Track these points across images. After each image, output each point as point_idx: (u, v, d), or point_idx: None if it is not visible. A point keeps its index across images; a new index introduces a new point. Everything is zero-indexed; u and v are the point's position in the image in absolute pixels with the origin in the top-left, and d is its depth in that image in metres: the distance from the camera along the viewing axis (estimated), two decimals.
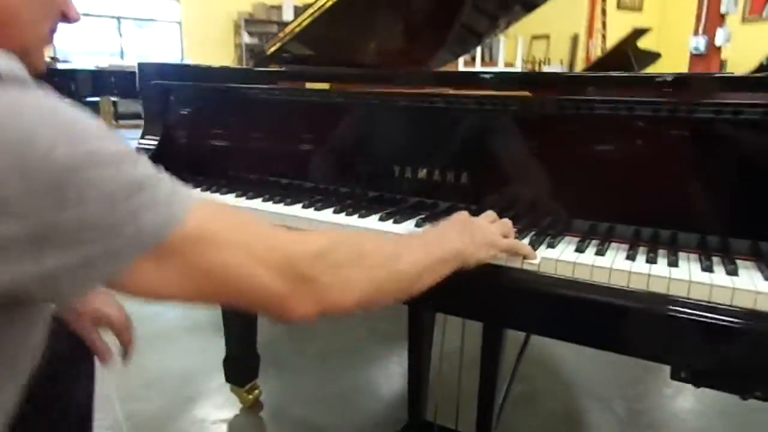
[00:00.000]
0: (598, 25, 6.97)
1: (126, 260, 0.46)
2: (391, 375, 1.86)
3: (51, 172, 0.41)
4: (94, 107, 5.71)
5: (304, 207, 0.96)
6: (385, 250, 0.63)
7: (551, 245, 0.78)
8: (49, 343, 0.86)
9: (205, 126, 1.18)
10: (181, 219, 0.48)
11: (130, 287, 0.49)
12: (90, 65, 6.45)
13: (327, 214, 0.93)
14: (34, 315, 0.57)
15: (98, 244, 0.44)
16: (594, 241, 0.79)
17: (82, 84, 5.97)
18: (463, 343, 1.48)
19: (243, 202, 1.01)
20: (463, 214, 0.78)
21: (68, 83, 5.99)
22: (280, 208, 0.97)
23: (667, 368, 0.70)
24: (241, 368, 1.60)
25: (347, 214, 0.92)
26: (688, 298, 0.66)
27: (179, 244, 0.48)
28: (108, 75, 6.26)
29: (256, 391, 1.64)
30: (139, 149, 1.18)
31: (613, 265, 0.71)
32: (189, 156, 1.18)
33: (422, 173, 0.95)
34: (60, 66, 6.52)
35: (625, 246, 0.77)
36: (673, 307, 0.66)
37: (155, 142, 1.17)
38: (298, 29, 1.28)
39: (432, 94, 0.96)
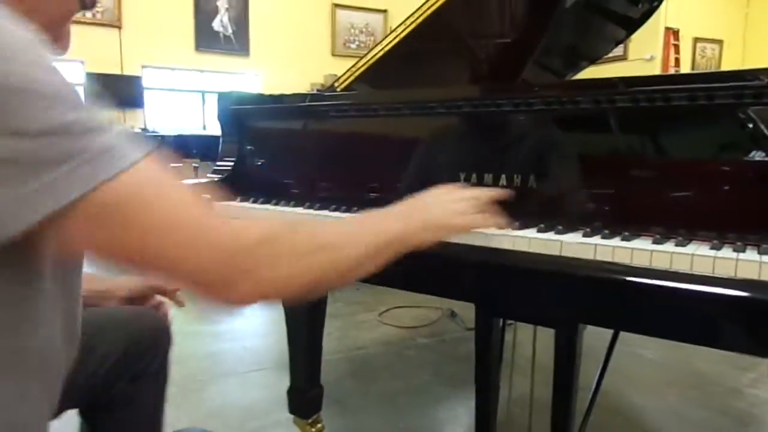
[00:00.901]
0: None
1: (49, 206, 0.43)
2: (457, 417, 1.77)
3: None
4: (177, 170, 6.14)
5: None
6: (325, 237, 0.61)
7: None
8: (129, 344, 0.91)
9: (278, 145, 1.24)
10: (112, 176, 0.45)
11: (58, 238, 0.47)
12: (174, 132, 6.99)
13: None
14: (39, 312, 0.55)
15: (13, 186, 0.42)
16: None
17: (168, 148, 6.45)
18: (533, 386, 1.41)
19: (319, 212, 1.04)
20: (418, 196, 0.76)
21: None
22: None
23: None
24: (305, 400, 1.58)
25: None
26: None
27: (109, 202, 0.45)
28: (190, 140, 6.76)
29: (319, 425, 1.60)
30: (216, 170, 1.25)
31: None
32: (261, 174, 1.24)
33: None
34: (149, 133, 7.14)
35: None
36: None
37: (231, 163, 1.24)
38: (365, 66, 1.36)
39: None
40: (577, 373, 1.19)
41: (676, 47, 7.33)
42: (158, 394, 0.98)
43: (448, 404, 1.86)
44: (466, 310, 2.66)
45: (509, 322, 1.48)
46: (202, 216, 0.51)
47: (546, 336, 1.20)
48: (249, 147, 1.25)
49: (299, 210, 1.07)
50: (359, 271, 0.64)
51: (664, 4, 1.67)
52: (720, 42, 7.99)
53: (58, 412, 0.69)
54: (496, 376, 1.35)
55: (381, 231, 0.67)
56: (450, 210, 0.75)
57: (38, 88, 0.43)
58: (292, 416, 1.60)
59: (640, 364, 2.18)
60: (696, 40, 7.90)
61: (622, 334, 1.61)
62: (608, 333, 1.47)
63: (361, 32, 10.15)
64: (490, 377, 1.31)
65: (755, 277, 0.62)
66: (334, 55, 9.69)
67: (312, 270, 0.58)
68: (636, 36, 1.77)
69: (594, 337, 1.43)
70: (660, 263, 0.69)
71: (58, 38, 0.62)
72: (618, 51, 5.69)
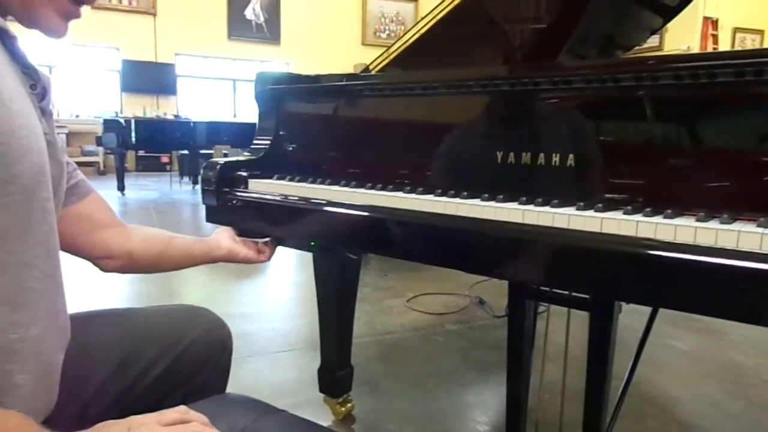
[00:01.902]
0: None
1: None
2: (486, 401, 1.77)
3: None
4: (209, 156, 6.23)
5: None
6: None
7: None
8: (178, 364, 0.79)
9: (315, 125, 1.25)
10: None
11: None
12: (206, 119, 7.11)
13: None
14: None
15: None
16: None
17: (199, 135, 6.57)
18: (565, 372, 1.40)
19: (361, 191, 1.04)
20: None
21: (188, 134, 6.63)
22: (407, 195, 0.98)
23: None
24: (335, 379, 1.60)
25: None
26: None
27: None
28: (221, 127, 6.86)
29: (350, 404, 1.63)
30: (253, 149, 1.27)
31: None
32: (297, 153, 1.25)
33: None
34: (182, 119, 7.28)
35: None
36: None
37: (269, 141, 1.25)
38: (398, 51, 1.36)
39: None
40: (612, 357, 1.17)
41: (715, 37, 7.12)
42: None
43: (477, 388, 1.86)
44: (495, 298, 2.65)
45: (541, 310, 1.48)
46: None
47: (578, 326, 1.19)
48: (285, 126, 1.26)
49: (335, 188, 1.08)
50: None
51: None
52: (761, 32, 7.73)
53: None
54: (528, 360, 1.34)
55: None
56: None
57: None
58: (322, 395, 1.63)
59: (674, 356, 2.14)
60: (735, 30, 7.65)
61: (654, 326, 1.59)
62: (641, 325, 1.45)
63: (392, 21, 10.11)
64: (522, 361, 1.30)
65: None
66: (364, 44, 9.68)
67: None
68: (672, 25, 1.72)
69: (626, 330, 1.41)
70: (705, 240, 0.67)
71: (37, 21, 0.62)
72: (653, 41, 5.55)
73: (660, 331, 2.31)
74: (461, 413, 1.70)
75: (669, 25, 1.71)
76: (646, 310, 1.46)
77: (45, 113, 0.64)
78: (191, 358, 0.82)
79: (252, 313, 2.54)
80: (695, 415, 1.68)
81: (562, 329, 1.31)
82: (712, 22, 7.03)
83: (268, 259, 1.14)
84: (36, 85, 0.64)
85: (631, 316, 1.78)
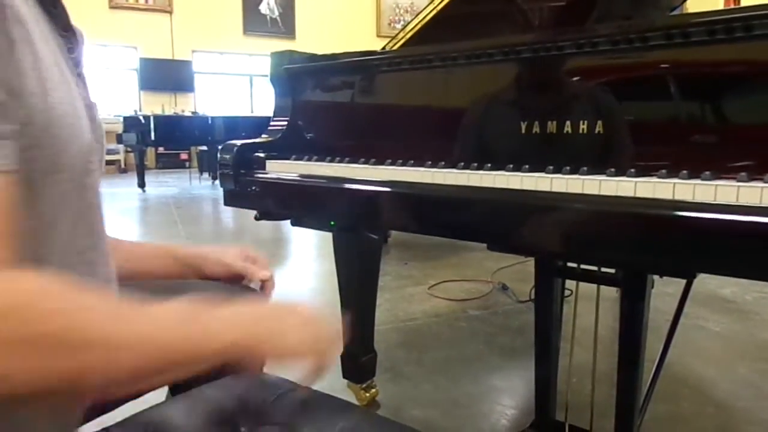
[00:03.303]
0: None
1: None
2: (513, 386, 1.74)
3: None
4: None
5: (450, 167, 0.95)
6: (102, 340, 0.42)
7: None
8: None
9: (332, 103, 1.23)
10: None
11: None
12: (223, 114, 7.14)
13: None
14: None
15: None
16: None
17: (217, 131, 6.60)
18: (595, 354, 1.36)
19: (379, 167, 1.02)
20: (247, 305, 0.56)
21: (207, 130, 6.66)
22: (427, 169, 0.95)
23: None
24: (358, 365, 1.58)
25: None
26: None
27: None
28: (239, 122, 6.88)
29: (373, 390, 1.61)
30: (270, 130, 1.25)
31: None
32: (315, 132, 1.23)
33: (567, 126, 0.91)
34: (200, 116, 7.33)
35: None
36: None
37: (285, 122, 1.23)
38: (414, 30, 1.32)
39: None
40: (645, 336, 1.13)
41: (737, 3, 6.91)
42: None
43: (503, 373, 1.83)
44: (518, 284, 2.61)
45: (567, 295, 1.44)
46: None
47: (605, 310, 1.15)
48: (302, 106, 1.24)
49: (354, 165, 1.05)
50: (132, 382, 0.46)
51: None
52: None
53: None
54: (557, 342, 1.31)
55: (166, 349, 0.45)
56: (298, 337, 0.54)
57: None
58: (346, 381, 1.61)
59: (706, 337, 2.08)
60: None
61: (685, 308, 1.54)
62: (671, 307, 1.40)
63: (407, 12, 10.04)
64: (551, 343, 1.27)
65: None
66: (379, 36, 9.63)
67: (55, 370, 0.40)
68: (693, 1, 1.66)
69: (656, 313, 1.37)
70: (747, 199, 0.64)
71: None
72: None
73: (691, 312, 2.25)
74: (488, 398, 1.67)
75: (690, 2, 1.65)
76: (676, 291, 1.41)
77: (81, 78, 0.62)
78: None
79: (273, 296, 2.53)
80: (731, 396, 1.62)
81: (587, 314, 1.27)
82: None
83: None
84: (74, 49, 0.60)
85: (661, 299, 1.73)
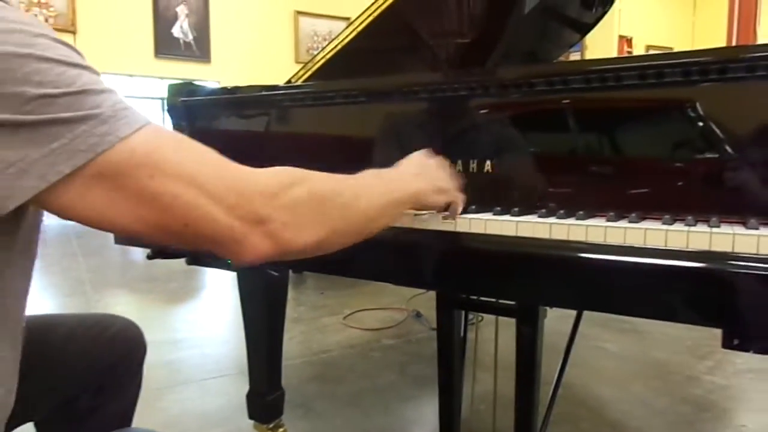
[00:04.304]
0: None
1: (60, 169, 0.42)
2: (423, 416, 1.75)
3: None
4: None
5: None
6: (343, 190, 0.60)
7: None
8: (96, 355, 0.84)
9: (233, 140, 1.20)
10: (125, 136, 0.44)
11: (66, 205, 0.44)
12: None
13: None
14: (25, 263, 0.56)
15: (33, 148, 0.41)
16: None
17: None
18: (496, 380, 1.40)
19: None
20: (419, 154, 0.76)
21: None
22: None
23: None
24: (265, 404, 1.53)
25: None
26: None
27: (122, 164, 0.44)
28: None
29: (281, 430, 1.56)
30: None
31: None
32: None
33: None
34: None
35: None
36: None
37: None
38: (320, 62, 1.33)
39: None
40: (539, 362, 1.18)
41: (630, 54, 7.60)
42: (126, 408, 0.89)
43: (414, 403, 1.84)
44: (432, 311, 2.65)
45: (471, 320, 1.47)
46: (216, 164, 0.51)
47: (508, 335, 1.19)
48: (201, 142, 1.20)
49: None
50: (373, 226, 0.63)
51: (617, 13, 1.69)
52: (670, 49, 8.35)
53: (10, 425, 0.63)
54: (459, 372, 1.33)
55: (397, 188, 0.67)
56: (444, 178, 0.75)
57: (52, 55, 0.43)
58: (252, 422, 1.55)
59: (603, 357, 2.20)
60: (648, 47, 8.20)
61: (584, 329, 1.62)
62: (568, 328, 1.48)
63: (325, 39, 10.12)
64: (453, 373, 1.29)
65: (706, 247, 0.62)
66: (297, 62, 9.63)
67: (328, 222, 0.56)
68: (591, 44, 1.81)
69: (555, 333, 1.43)
70: (614, 239, 0.68)
71: None
72: (575, 58, 5.83)
73: (590, 334, 2.37)
74: (398, 429, 1.67)
75: (589, 43, 1.78)
76: (574, 314, 1.48)
77: None
78: (108, 360, 0.84)
79: (180, 339, 2.41)
80: (626, 415, 1.72)
81: (492, 337, 1.31)
82: (627, 40, 7.50)
83: None
84: None
85: (564, 321, 1.82)
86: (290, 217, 0.52)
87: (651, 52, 8.19)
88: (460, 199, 0.77)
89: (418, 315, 2.65)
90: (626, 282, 0.67)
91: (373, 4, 1.25)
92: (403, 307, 2.78)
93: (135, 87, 9.20)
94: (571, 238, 0.71)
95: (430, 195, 0.71)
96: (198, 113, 1.21)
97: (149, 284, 3.48)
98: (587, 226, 0.71)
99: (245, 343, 1.48)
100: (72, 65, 0.44)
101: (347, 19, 9.99)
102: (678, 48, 8.35)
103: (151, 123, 0.47)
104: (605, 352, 2.26)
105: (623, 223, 0.70)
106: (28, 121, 0.41)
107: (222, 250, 0.50)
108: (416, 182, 0.69)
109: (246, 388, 1.53)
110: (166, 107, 1.22)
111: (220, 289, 3.38)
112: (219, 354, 2.26)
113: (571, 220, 0.74)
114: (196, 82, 1.29)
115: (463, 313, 1.30)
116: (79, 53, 0.47)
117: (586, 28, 1.70)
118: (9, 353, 0.55)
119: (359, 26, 1.32)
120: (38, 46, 0.43)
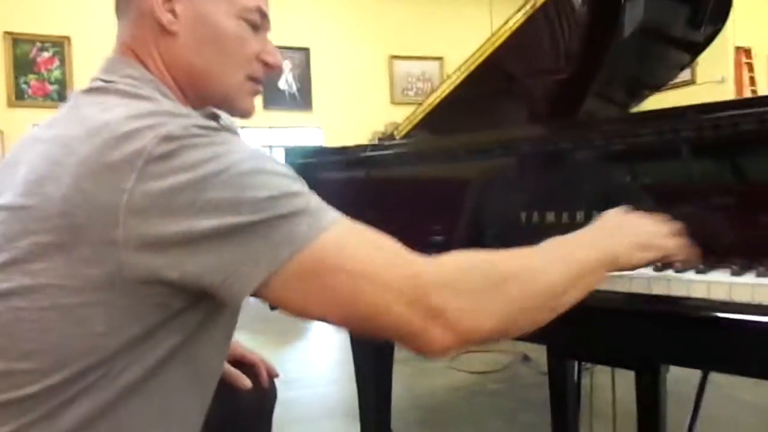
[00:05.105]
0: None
1: (280, 259, 0.49)
2: None
3: (234, 179, 0.50)
4: None
5: None
6: (522, 266, 0.57)
7: None
8: (231, 395, 0.84)
9: (344, 194, 1.28)
10: (327, 226, 0.51)
11: (278, 294, 0.51)
12: None
13: None
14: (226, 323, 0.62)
15: (260, 241, 0.49)
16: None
17: None
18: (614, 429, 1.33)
19: None
20: (615, 211, 0.70)
21: None
22: None
23: None
24: None
25: None
26: None
27: (320, 254, 0.50)
28: None
29: None
30: None
31: None
32: None
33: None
34: None
35: None
36: None
37: None
38: (422, 114, 1.39)
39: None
40: (664, 414, 1.11)
41: (750, 65, 6.96)
42: None
43: None
44: (540, 354, 2.56)
45: (586, 365, 1.42)
46: (393, 256, 0.53)
47: (625, 379, 1.14)
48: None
49: None
50: (563, 300, 0.58)
51: (732, 22, 1.59)
52: None
53: None
54: (574, 423, 1.28)
55: (587, 254, 0.61)
56: (649, 231, 0.67)
57: (268, 168, 0.52)
58: None
59: (739, 409, 2.00)
60: None
61: (714, 376, 1.49)
62: (696, 376, 1.37)
63: (418, 80, 10.34)
64: (567, 423, 1.24)
65: None
66: (393, 103, 9.92)
67: (508, 303, 0.55)
68: (704, 58, 1.70)
69: (681, 381, 1.34)
70: (742, 297, 0.65)
71: (241, 107, 0.69)
72: (685, 75, 5.44)
73: (721, 381, 2.17)
74: None
75: (700, 57, 1.69)
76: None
77: None
78: (238, 415, 0.85)
79: (293, 379, 2.52)
80: None
81: (609, 383, 1.25)
82: (744, 51, 6.92)
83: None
84: None
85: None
86: (466, 304, 0.52)
87: None
88: (677, 248, 0.68)
89: (526, 358, 2.57)
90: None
91: (473, 54, 1.30)
92: (509, 350, 2.71)
93: (247, 138, 9.91)
94: (692, 294, 0.68)
95: (633, 254, 0.64)
96: (313, 172, 1.30)
97: (262, 324, 3.67)
98: (709, 282, 0.68)
99: (356, 386, 1.53)
100: (287, 175, 0.54)
101: (439, 58, 10.18)
102: None
103: (339, 216, 0.53)
104: (741, 403, 2.05)
105: (750, 278, 0.67)
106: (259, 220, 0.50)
107: (406, 343, 0.53)
108: (611, 243, 0.63)
109: (356, 429, 1.57)
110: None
111: (328, 329, 3.49)
112: (331, 394, 2.33)
113: (690, 275, 0.71)
114: (299, 127, 1.38)
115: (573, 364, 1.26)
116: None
117: (696, 48, 1.63)
118: (200, 406, 0.61)
119: (459, 76, 1.37)
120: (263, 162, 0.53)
